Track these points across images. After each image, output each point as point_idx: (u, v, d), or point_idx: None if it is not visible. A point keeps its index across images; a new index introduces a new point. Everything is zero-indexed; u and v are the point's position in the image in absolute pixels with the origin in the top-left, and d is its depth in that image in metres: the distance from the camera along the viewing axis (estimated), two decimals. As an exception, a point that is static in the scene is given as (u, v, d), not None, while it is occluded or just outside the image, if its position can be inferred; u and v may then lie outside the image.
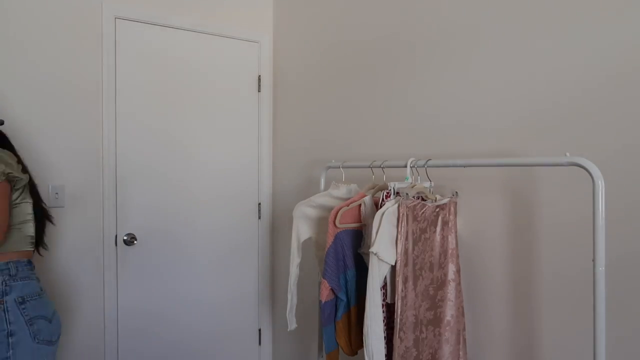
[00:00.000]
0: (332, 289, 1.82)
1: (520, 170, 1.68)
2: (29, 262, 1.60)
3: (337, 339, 1.85)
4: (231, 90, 2.90)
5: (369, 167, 1.95)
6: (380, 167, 1.91)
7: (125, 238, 2.57)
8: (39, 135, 2.33)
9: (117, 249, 2.55)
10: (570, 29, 1.55)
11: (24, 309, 1.47)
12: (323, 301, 1.82)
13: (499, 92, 1.76)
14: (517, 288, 1.72)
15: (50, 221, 1.83)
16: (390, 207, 1.68)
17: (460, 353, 1.73)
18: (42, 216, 1.78)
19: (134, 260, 2.60)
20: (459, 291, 1.73)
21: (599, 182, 1.26)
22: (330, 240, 1.81)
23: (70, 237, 2.41)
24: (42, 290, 1.60)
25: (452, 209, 1.76)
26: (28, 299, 1.50)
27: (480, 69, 1.82)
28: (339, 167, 2.15)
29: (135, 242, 2.59)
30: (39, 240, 1.77)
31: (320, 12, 2.66)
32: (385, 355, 1.69)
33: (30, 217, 1.66)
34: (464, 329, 1.76)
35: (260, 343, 3.01)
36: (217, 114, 2.86)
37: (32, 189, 1.74)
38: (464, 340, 1.76)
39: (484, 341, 1.81)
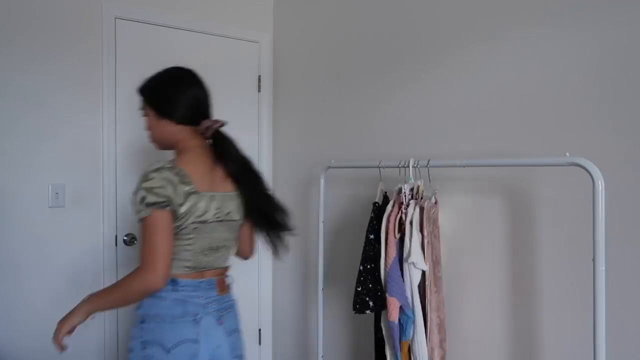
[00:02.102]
0: (401, 307, 1.65)
1: (520, 170, 1.68)
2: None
3: (404, 359, 1.67)
4: (231, 90, 2.90)
5: (376, 167, 1.93)
6: (378, 167, 1.91)
7: (125, 238, 2.57)
8: (39, 135, 2.33)
9: (117, 249, 2.55)
10: (571, 28, 1.56)
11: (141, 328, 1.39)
12: (390, 320, 1.64)
13: (499, 92, 1.77)
14: (517, 288, 1.72)
15: None
16: (412, 212, 1.67)
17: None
18: None
19: (134, 260, 2.60)
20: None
21: (599, 182, 1.26)
22: (393, 251, 1.67)
23: (70, 237, 2.41)
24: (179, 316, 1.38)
25: (437, 206, 1.79)
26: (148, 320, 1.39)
27: (480, 68, 1.82)
28: (339, 167, 2.16)
29: (135, 242, 2.59)
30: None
31: (320, 12, 2.66)
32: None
33: None
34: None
35: (260, 343, 3.01)
36: (217, 113, 2.85)
37: None
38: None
39: (484, 341, 1.81)
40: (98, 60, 2.48)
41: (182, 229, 1.37)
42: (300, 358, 2.81)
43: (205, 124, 1.57)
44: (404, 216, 1.68)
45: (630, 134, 1.41)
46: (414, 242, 1.62)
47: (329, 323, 2.51)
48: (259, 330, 3.01)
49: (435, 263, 1.72)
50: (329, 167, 2.19)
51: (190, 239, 1.40)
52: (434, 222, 1.75)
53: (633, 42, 1.41)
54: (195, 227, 1.39)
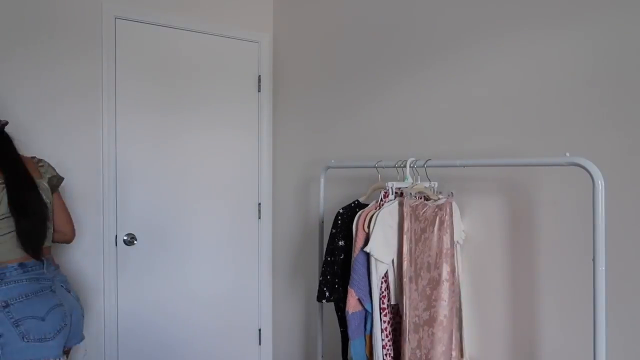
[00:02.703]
0: (359, 299, 1.69)
1: (520, 170, 1.68)
2: (20, 265, 1.64)
3: (368, 353, 1.72)
4: (231, 90, 2.90)
5: (373, 167, 1.95)
6: (375, 167, 1.91)
7: (125, 238, 2.57)
8: (38, 135, 2.33)
9: (117, 249, 2.55)
10: (570, 28, 1.55)
11: (7, 312, 1.55)
12: (350, 312, 1.68)
13: (499, 91, 1.76)
14: (517, 288, 1.72)
15: None
16: (386, 208, 1.68)
17: (453, 353, 1.73)
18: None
19: (134, 260, 2.60)
20: (452, 291, 1.73)
21: (599, 182, 1.26)
22: (359, 245, 1.70)
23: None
24: (36, 291, 1.63)
25: (448, 209, 1.76)
26: (12, 302, 1.57)
27: (480, 68, 1.82)
28: (339, 167, 2.15)
29: (135, 242, 2.59)
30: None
31: (320, 12, 2.66)
32: (393, 358, 1.69)
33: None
34: (457, 329, 1.76)
35: (260, 343, 3.01)
36: (217, 113, 2.86)
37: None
38: (458, 340, 1.76)
39: (484, 341, 1.81)
40: (98, 60, 2.48)
41: None
42: (300, 358, 2.81)
43: None
44: (375, 211, 1.71)
45: (630, 133, 1.41)
46: (375, 233, 1.64)
47: (329, 323, 2.51)
48: (259, 330, 3.01)
49: (416, 261, 1.69)
50: (329, 167, 2.19)
51: None
52: (431, 224, 1.74)
53: (633, 41, 1.41)
54: None
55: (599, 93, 1.48)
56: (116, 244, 2.55)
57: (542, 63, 1.63)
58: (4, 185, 1.63)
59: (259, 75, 2.99)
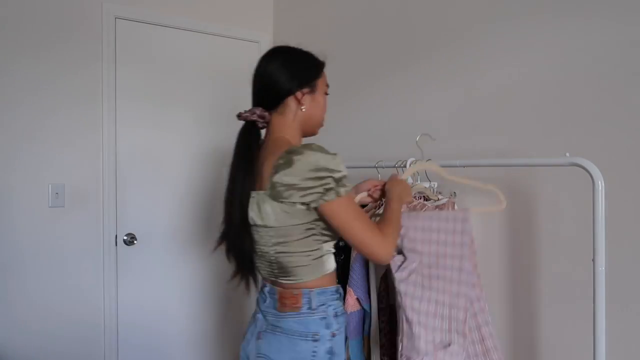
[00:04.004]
0: (358, 299, 1.66)
1: (520, 170, 1.68)
2: None
3: (366, 353, 1.70)
4: (231, 90, 2.90)
5: (373, 167, 1.94)
6: (375, 167, 1.91)
7: (125, 238, 2.57)
8: (39, 134, 2.33)
9: (117, 249, 2.55)
10: (571, 28, 1.55)
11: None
12: (348, 311, 1.63)
13: (499, 91, 1.76)
14: (516, 288, 1.71)
15: None
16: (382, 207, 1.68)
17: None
18: None
19: (134, 260, 2.60)
20: None
21: (599, 182, 1.26)
22: None
23: (70, 237, 2.41)
24: None
25: (450, 209, 1.76)
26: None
27: (480, 68, 1.82)
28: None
29: (135, 242, 2.59)
30: None
31: (320, 12, 2.65)
32: (391, 358, 1.69)
33: None
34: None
35: (260, 343, 3.01)
36: (217, 113, 2.86)
37: None
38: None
39: (484, 341, 1.80)
40: (98, 60, 2.48)
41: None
42: (300, 358, 2.80)
43: None
44: (374, 210, 1.69)
45: (630, 134, 1.41)
46: None
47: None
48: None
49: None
50: (329, 167, 2.18)
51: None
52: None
53: (633, 41, 1.41)
54: None
55: (598, 93, 1.48)
56: (116, 244, 2.55)
57: (542, 63, 1.63)
58: None
59: (259, 75, 2.98)
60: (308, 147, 1.22)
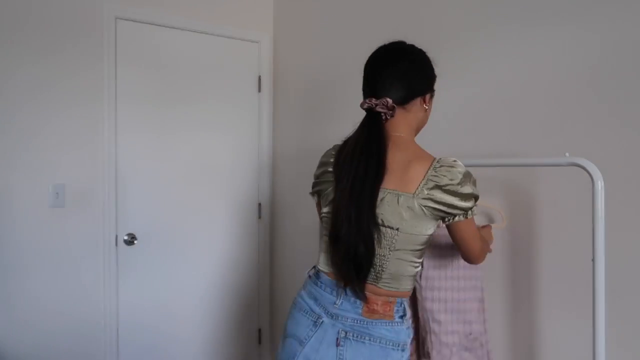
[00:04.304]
0: None
1: (520, 170, 1.68)
2: None
3: None
4: (231, 90, 2.90)
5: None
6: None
7: (125, 238, 2.57)
8: (39, 135, 2.33)
9: (117, 249, 2.55)
10: (570, 27, 1.55)
11: None
12: None
13: (499, 91, 1.76)
14: (516, 288, 1.72)
15: None
16: None
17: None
18: None
19: (134, 260, 2.60)
20: None
21: (599, 182, 1.26)
22: None
23: (71, 237, 2.41)
24: None
25: None
26: None
27: (480, 68, 1.82)
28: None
29: (135, 242, 2.59)
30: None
31: (320, 12, 2.66)
32: None
33: None
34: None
35: (260, 343, 3.01)
36: (217, 113, 2.86)
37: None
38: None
39: (484, 341, 1.81)
40: (98, 60, 2.48)
41: None
42: (300, 358, 2.80)
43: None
44: None
45: (630, 134, 1.41)
46: None
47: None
48: (259, 330, 3.01)
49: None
50: (329, 167, 2.18)
51: None
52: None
53: (633, 41, 1.41)
54: None
55: (599, 93, 1.48)
56: (116, 244, 2.55)
57: (542, 63, 1.63)
58: None
59: (259, 76, 2.99)
60: (466, 171, 1.25)
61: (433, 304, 1.60)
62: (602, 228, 1.26)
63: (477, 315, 1.62)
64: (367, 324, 1.24)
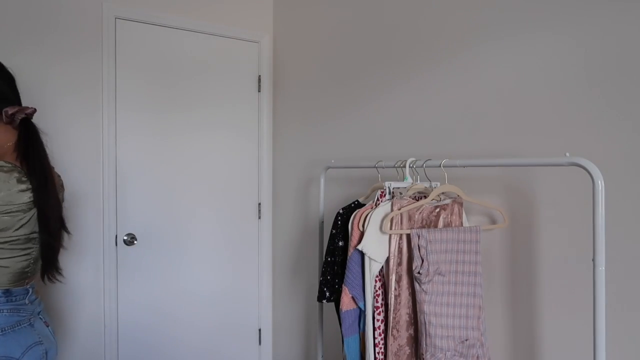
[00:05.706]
0: (353, 298, 1.70)
1: (520, 170, 1.68)
2: (4, 293, 1.40)
3: (362, 351, 1.73)
4: (231, 90, 2.90)
5: (373, 167, 1.95)
6: (375, 167, 1.91)
7: (125, 238, 2.57)
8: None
9: (117, 249, 2.55)
10: (570, 27, 1.55)
11: None
12: (343, 310, 1.68)
13: (499, 91, 1.76)
14: (516, 288, 1.72)
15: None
16: (381, 207, 1.69)
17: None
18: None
19: (134, 260, 2.60)
20: None
21: (599, 182, 1.26)
22: (354, 244, 1.71)
23: (70, 237, 2.41)
24: (13, 325, 1.39)
25: (455, 209, 1.76)
26: None
27: (480, 68, 1.82)
28: (339, 167, 2.15)
29: (135, 242, 2.59)
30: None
31: (320, 12, 2.66)
32: (380, 353, 1.70)
33: None
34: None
35: (260, 343, 3.01)
36: (217, 113, 2.86)
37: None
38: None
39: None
40: (98, 60, 2.48)
41: None
42: (300, 358, 2.80)
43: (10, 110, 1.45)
44: (371, 210, 1.72)
45: (630, 134, 1.41)
46: (368, 232, 1.65)
47: (329, 323, 2.51)
48: (259, 330, 3.01)
49: (409, 261, 1.71)
50: (329, 167, 2.19)
51: None
52: (432, 224, 1.74)
53: (633, 41, 1.41)
54: None
55: (598, 93, 1.48)
56: (116, 244, 2.55)
57: (542, 63, 1.63)
58: (31, 201, 1.41)
59: (259, 75, 2.99)
60: None
61: (429, 307, 1.59)
62: (603, 228, 1.26)
63: (475, 321, 1.62)
64: None
